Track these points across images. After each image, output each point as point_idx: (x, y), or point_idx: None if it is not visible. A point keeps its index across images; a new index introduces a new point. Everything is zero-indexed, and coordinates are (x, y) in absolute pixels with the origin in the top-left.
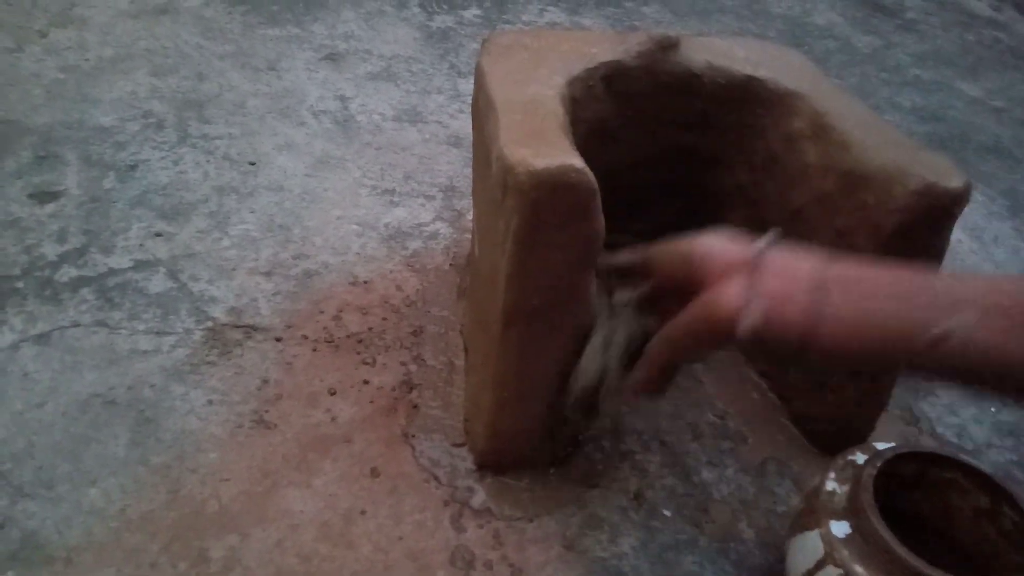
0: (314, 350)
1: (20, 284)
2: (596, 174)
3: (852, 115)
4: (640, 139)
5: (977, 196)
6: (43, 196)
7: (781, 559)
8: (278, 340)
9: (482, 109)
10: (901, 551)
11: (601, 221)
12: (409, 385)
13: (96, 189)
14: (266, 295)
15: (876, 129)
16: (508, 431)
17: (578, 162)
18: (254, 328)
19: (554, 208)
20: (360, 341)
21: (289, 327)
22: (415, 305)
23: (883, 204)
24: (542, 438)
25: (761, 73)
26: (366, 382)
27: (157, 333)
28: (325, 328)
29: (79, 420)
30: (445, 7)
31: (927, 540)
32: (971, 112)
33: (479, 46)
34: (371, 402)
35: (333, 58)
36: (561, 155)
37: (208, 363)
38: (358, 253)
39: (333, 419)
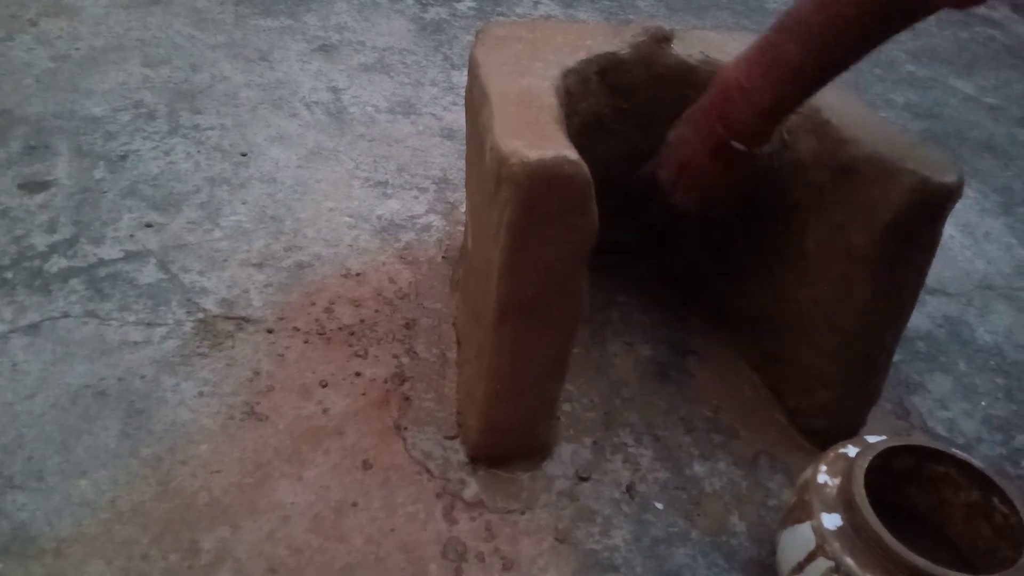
0: (306, 342)
1: (9, 275)
2: (590, 167)
3: (847, 110)
4: (634, 132)
5: (970, 193)
6: (33, 186)
7: (773, 552)
8: (270, 332)
9: (476, 100)
10: (892, 543)
11: (595, 213)
12: (401, 377)
13: (86, 179)
14: (258, 287)
15: (871, 124)
16: (502, 424)
17: (572, 154)
18: (246, 320)
19: (548, 200)
20: (352, 333)
21: (281, 319)
22: (408, 297)
23: (878, 198)
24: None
25: None
26: (358, 374)
27: (148, 324)
28: (317, 320)
29: (69, 411)
30: None
31: (919, 534)
32: (965, 109)
33: (473, 38)
34: (363, 394)
35: (326, 49)
36: (555, 147)
37: (199, 354)
38: (350, 245)
39: (325, 411)
